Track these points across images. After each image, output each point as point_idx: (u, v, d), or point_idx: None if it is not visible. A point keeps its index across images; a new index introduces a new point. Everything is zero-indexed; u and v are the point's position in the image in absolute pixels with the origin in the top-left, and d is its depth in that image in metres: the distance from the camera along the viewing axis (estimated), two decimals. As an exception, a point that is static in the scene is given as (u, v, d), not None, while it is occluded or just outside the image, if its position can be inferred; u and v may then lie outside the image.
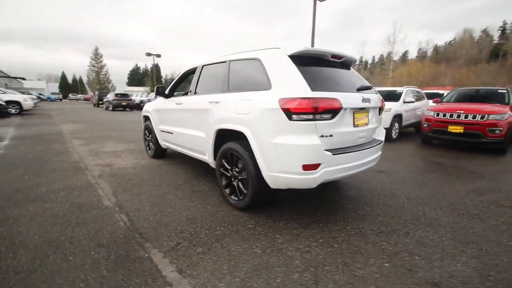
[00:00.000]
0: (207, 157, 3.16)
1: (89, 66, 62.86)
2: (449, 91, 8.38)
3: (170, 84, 4.25)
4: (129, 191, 3.22)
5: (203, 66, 3.44)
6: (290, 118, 2.15)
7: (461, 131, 5.83)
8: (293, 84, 2.23)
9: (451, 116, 6.01)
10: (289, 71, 2.29)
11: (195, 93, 3.44)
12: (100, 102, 25.00)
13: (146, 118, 5.04)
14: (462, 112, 5.86)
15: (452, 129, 5.94)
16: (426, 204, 2.96)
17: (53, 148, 5.62)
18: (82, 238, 2.17)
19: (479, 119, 5.63)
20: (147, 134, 5.03)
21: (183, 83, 4.41)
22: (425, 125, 6.55)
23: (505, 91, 6.64)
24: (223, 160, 2.84)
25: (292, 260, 1.91)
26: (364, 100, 2.53)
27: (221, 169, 2.89)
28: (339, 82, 2.51)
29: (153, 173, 3.99)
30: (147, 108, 4.85)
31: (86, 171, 4.04)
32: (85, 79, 69.42)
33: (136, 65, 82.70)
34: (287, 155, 2.18)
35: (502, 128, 5.50)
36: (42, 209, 2.69)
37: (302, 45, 2.52)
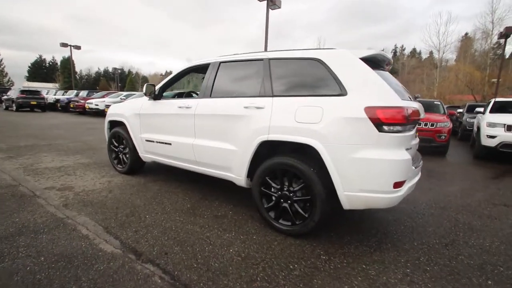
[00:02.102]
0: (235, 174, 2.59)
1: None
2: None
3: (160, 83, 3.42)
4: (129, 226, 2.36)
5: (220, 63, 2.84)
6: (380, 130, 1.88)
7: (416, 136, 6.65)
8: (378, 91, 1.97)
9: (407, 123, 6.79)
10: (368, 76, 2.02)
11: (211, 95, 2.81)
12: (-5, 101, 19.65)
13: (115, 124, 3.97)
14: (416, 120, 6.69)
15: (409, 134, 6.72)
16: (447, 209, 3.12)
17: (-44, 167, 3.88)
18: (114, 317, 1.38)
19: (430, 127, 6.53)
20: (115, 144, 3.97)
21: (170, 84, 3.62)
22: (384, 131, 7.24)
23: (439, 103, 7.96)
24: (267, 178, 2.36)
25: (411, 298, 1.62)
26: (424, 110, 2.47)
27: (262, 188, 2.40)
28: (400, 90, 2.37)
29: (143, 195, 3.10)
30: (119, 111, 3.82)
31: (39, 199, 2.86)
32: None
33: (41, 57, 68.51)
34: (375, 172, 1.89)
35: (446, 134, 6.51)
36: (3, 274, 1.67)
37: (369, 49, 2.28)
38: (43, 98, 17.34)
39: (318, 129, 2.02)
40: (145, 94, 3.25)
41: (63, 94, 21.00)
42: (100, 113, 14.13)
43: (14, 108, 16.15)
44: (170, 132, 3.12)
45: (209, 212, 2.71)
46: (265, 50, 13.84)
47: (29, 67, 66.95)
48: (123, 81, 67.64)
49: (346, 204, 2.03)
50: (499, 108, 7.30)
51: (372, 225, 2.58)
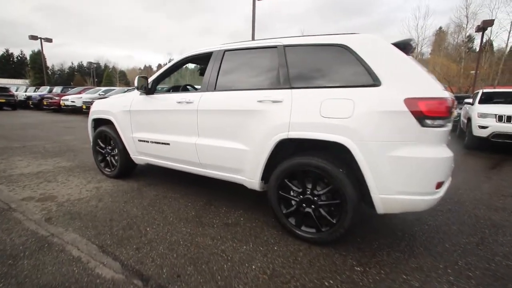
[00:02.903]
0: (247, 176, 2.31)
1: None
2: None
3: (153, 76, 3.03)
4: (128, 242, 2.03)
5: (225, 51, 2.51)
6: (422, 124, 1.66)
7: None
8: (418, 80, 1.75)
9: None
10: (404, 63, 1.79)
11: (215, 88, 2.48)
12: (-44, 99, 17.88)
13: (100, 122, 3.54)
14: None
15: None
16: (462, 204, 3.01)
17: None
18: None
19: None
20: (102, 145, 3.55)
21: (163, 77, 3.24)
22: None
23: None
24: (285, 181, 2.10)
25: (469, 314, 1.44)
26: None
27: (280, 192, 2.14)
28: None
29: (139, 203, 2.75)
30: (105, 108, 3.39)
31: (15, 213, 2.44)
32: None
33: (7, 51, 63.73)
34: (417, 172, 1.69)
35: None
36: (-27, 320, 1.31)
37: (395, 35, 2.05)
38: (12, 95, 16.01)
39: (349, 125, 1.78)
40: (137, 88, 2.86)
41: (34, 91, 19.53)
42: (77, 110, 13.25)
43: (-21, 106, 14.78)
44: (168, 131, 2.77)
45: (218, 220, 2.42)
46: (252, 38, 13.43)
47: (-6, 62, 62.12)
48: (99, 76, 64.65)
49: (380, 208, 1.81)
50: (487, 98, 7.45)
51: (396, 227, 2.41)
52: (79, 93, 15.44)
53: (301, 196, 2.06)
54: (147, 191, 3.09)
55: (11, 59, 63.74)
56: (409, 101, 1.66)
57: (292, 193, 2.11)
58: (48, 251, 1.89)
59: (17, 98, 16.87)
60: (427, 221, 2.55)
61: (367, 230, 2.31)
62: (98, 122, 3.58)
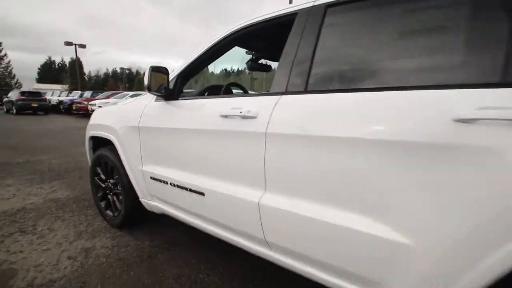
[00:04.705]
0: (394, 301, 0.92)
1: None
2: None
3: (175, 70, 1.78)
4: None
5: (327, 7, 1.17)
6: None
7: None
8: None
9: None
10: None
11: (306, 87, 1.15)
12: (-3, 103, 18.65)
13: (98, 142, 2.37)
14: None
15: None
16: None
17: None
18: None
19: None
20: (102, 176, 2.36)
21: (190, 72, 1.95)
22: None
23: None
24: None
25: None
26: None
27: None
28: None
29: (147, 303, 1.47)
30: (105, 122, 2.19)
31: None
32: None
33: (50, 58, 68.52)
34: None
35: None
36: None
37: None
38: (44, 100, 16.18)
39: None
40: (148, 89, 1.60)
41: (67, 95, 19.84)
42: (104, 116, 12.77)
43: (14, 110, 15.00)
44: (203, 169, 1.48)
45: None
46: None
47: (38, 69, 67.31)
48: (131, 81, 67.26)
49: None
50: None
51: None
52: (107, 98, 15.12)
53: None
54: (164, 264, 1.81)
55: (53, 66, 68.51)
56: None
57: None
58: None
59: (49, 102, 17.08)
60: None
61: None
62: (98, 142, 2.41)
